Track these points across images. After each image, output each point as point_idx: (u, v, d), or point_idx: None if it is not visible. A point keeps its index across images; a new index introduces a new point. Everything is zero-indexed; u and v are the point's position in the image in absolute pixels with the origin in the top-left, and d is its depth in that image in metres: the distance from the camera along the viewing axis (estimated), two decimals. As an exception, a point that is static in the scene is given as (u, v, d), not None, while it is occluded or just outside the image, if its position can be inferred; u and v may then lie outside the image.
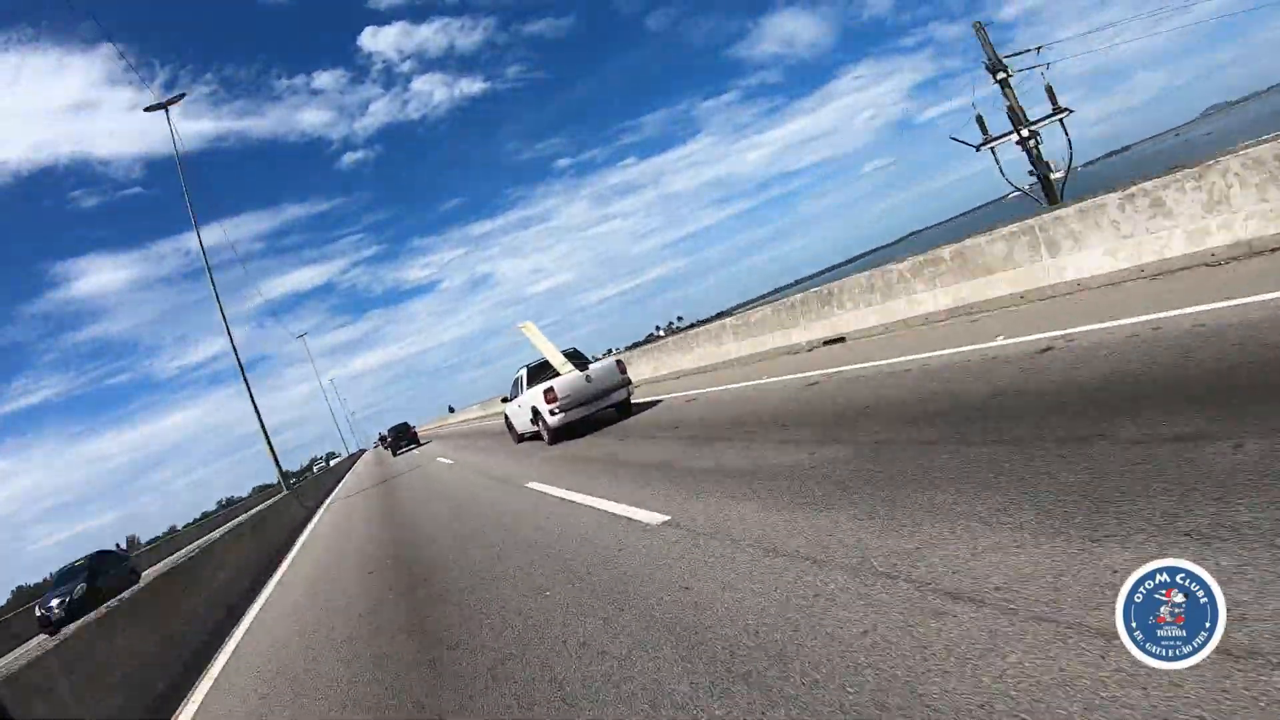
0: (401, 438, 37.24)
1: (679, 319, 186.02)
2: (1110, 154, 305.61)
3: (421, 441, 37.33)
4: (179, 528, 72.58)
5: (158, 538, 72.11)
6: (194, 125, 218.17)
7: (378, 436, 77.90)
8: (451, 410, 67.74)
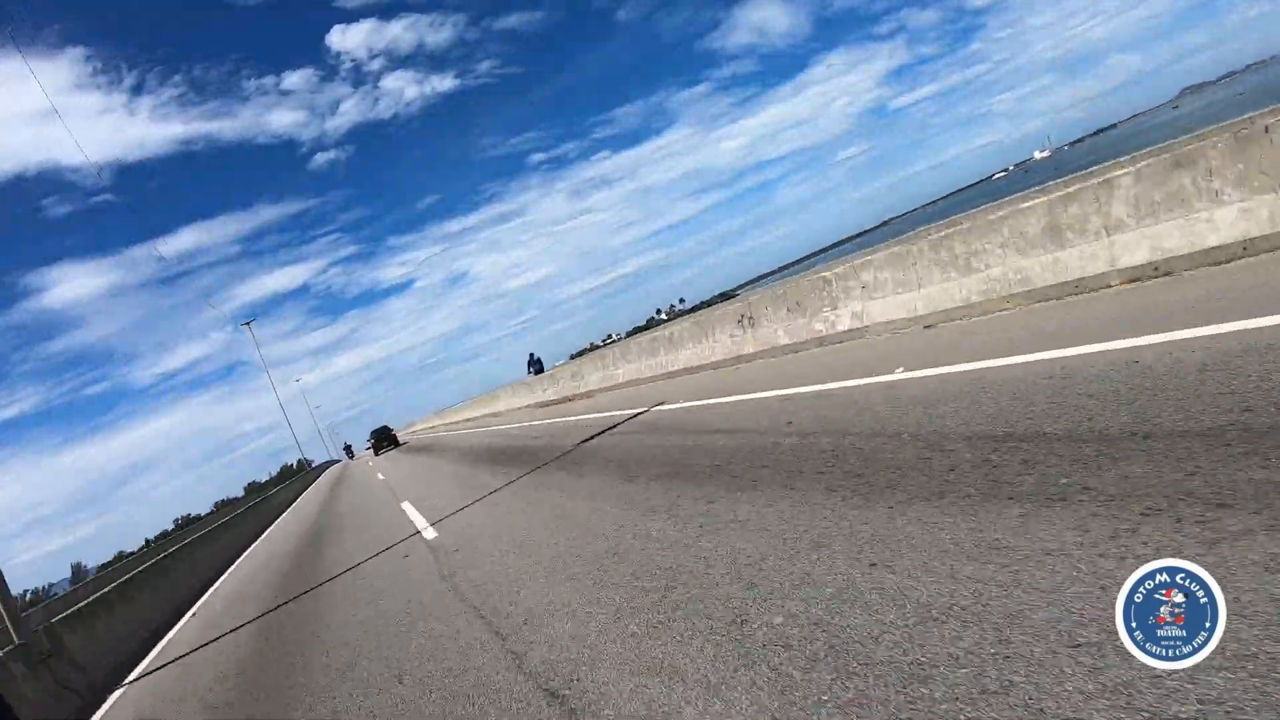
0: (384, 440, 42.01)
1: (680, 301, 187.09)
2: (1098, 131, 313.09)
3: (400, 443, 41.61)
4: (127, 553, 70.80)
5: (106, 563, 70.18)
6: (164, 128, 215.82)
7: (344, 446, 76.42)
8: (539, 368, 29.89)
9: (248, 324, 48.03)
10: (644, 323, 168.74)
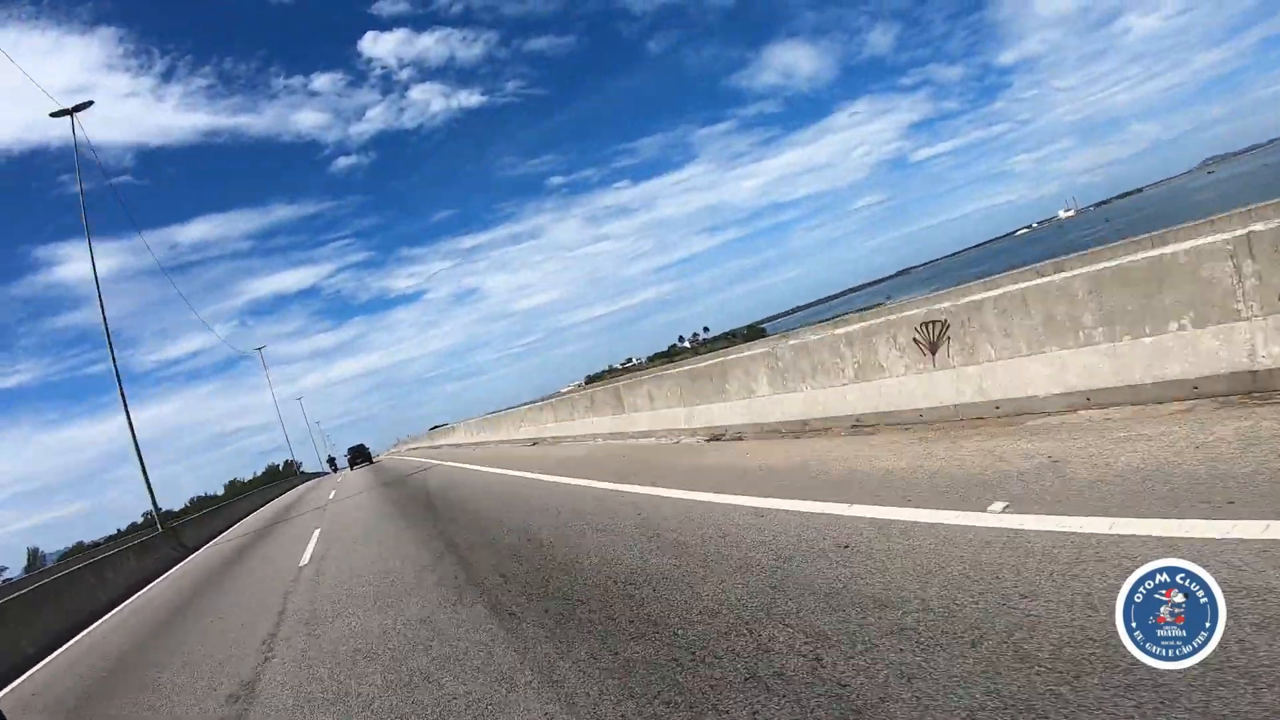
0: (359, 457, 47.74)
1: (705, 330, 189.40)
2: (1123, 195, 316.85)
3: (373, 460, 46.98)
4: (85, 543, 69.59)
5: (66, 551, 69.06)
6: (189, 118, 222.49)
7: (328, 459, 76.14)
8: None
9: (111, 184, 32.83)
10: (665, 349, 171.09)
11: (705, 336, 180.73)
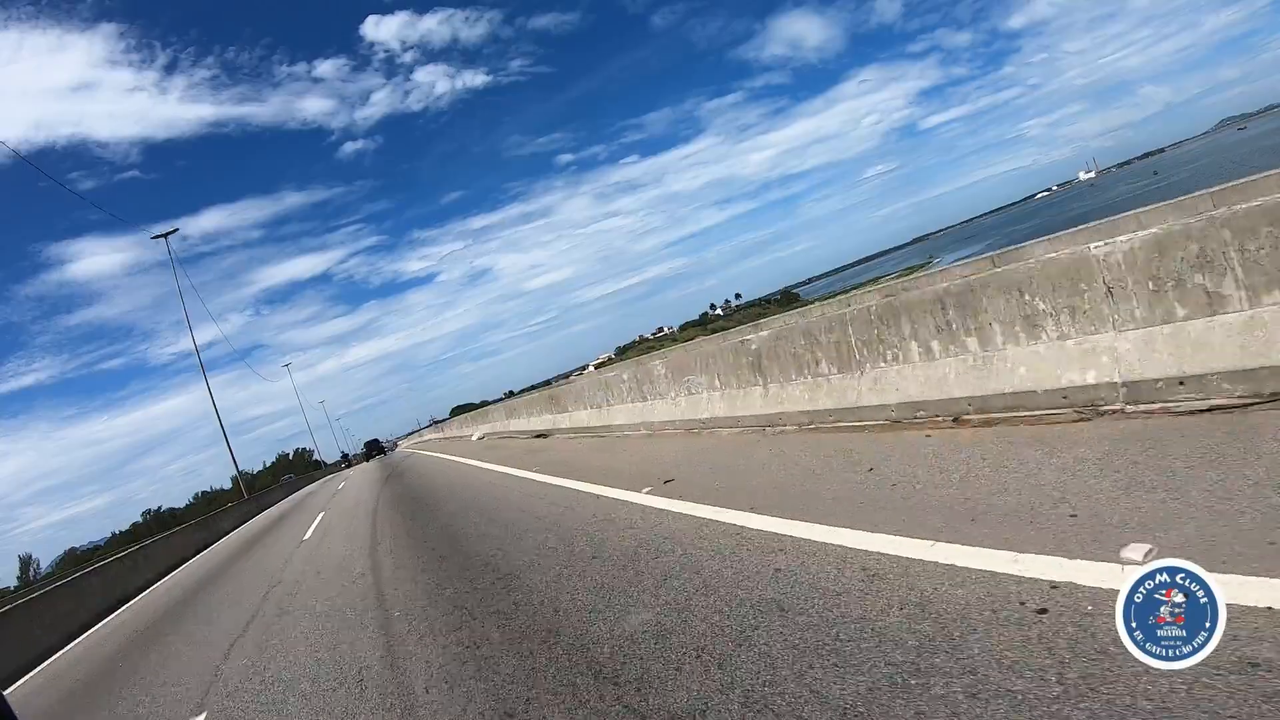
0: (374, 449, 55.96)
1: (737, 296, 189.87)
2: (1146, 155, 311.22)
3: (388, 453, 53.08)
4: (78, 548, 69.33)
5: (60, 558, 68.84)
6: (194, 110, 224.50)
7: (341, 455, 76.64)
8: None
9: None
10: (697, 317, 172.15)
11: (738, 303, 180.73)
